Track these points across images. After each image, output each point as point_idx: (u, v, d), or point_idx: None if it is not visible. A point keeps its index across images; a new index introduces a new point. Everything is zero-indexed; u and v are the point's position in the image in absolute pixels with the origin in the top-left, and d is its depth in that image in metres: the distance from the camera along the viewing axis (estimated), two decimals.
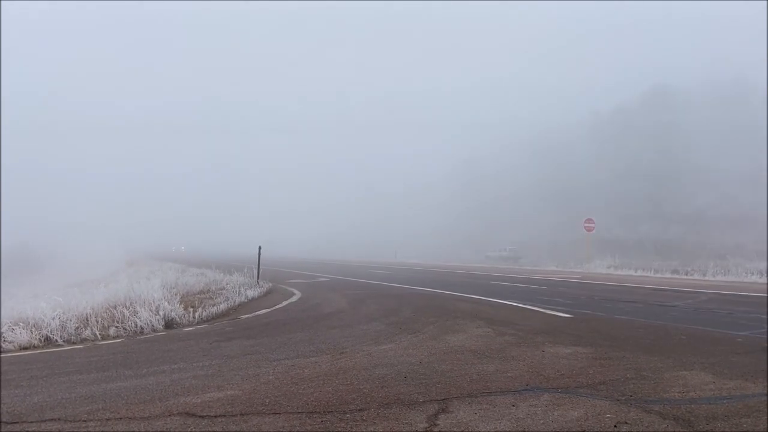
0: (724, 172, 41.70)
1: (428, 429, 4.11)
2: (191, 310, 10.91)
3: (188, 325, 10.12)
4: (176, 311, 10.51)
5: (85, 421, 4.38)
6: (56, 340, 8.43)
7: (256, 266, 19.72)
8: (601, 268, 31.19)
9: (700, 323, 9.88)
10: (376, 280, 21.81)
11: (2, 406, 4.85)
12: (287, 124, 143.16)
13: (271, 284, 18.28)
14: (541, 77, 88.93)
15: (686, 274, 25.96)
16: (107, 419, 4.41)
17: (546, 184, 56.85)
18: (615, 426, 4.15)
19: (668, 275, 26.25)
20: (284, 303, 13.63)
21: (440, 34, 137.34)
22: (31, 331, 8.45)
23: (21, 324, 8.66)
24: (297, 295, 15.67)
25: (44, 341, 8.38)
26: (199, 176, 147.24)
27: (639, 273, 27.59)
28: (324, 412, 4.54)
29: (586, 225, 34.33)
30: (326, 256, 60.02)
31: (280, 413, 4.52)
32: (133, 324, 9.46)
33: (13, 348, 7.94)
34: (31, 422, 4.37)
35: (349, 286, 18.76)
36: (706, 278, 23.56)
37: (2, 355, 7.60)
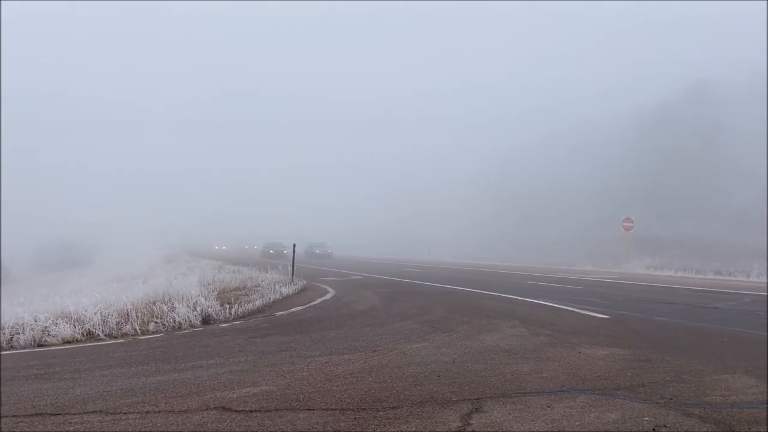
0: None
1: (462, 428, 4.09)
2: (227, 306, 11.07)
3: (224, 321, 10.29)
4: (213, 307, 10.69)
5: (125, 413, 4.50)
6: (98, 335, 8.68)
7: (291, 264, 19.91)
8: (639, 268, 30.48)
9: (743, 325, 9.59)
10: (409, 279, 21.80)
11: (33, 399, 5.01)
12: (317, 120, 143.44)
13: (305, 282, 18.42)
14: (579, 73, 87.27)
15: (729, 275, 25.20)
16: (146, 412, 4.52)
17: (582, 181, 55.84)
18: (653, 429, 4.07)
19: (710, 276, 25.54)
20: (318, 300, 13.74)
21: (474, 29, 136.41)
22: (74, 325, 8.71)
23: (64, 318, 8.94)
24: (330, 292, 15.77)
25: (87, 335, 8.64)
26: (233, 174, 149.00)
27: (680, 274, 26.89)
28: (357, 409, 4.57)
29: (625, 224, 33.63)
30: (358, 253, 60.11)
31: (314, 409, 4.56)
32: (171, 319, 9.66)
33: (56, 342, 8.20)
34: (74, 414, 4.51)
35: (381, 284, 18.80)
36: (751, 279, 22.82)
37: (46, 348, 7.88)
